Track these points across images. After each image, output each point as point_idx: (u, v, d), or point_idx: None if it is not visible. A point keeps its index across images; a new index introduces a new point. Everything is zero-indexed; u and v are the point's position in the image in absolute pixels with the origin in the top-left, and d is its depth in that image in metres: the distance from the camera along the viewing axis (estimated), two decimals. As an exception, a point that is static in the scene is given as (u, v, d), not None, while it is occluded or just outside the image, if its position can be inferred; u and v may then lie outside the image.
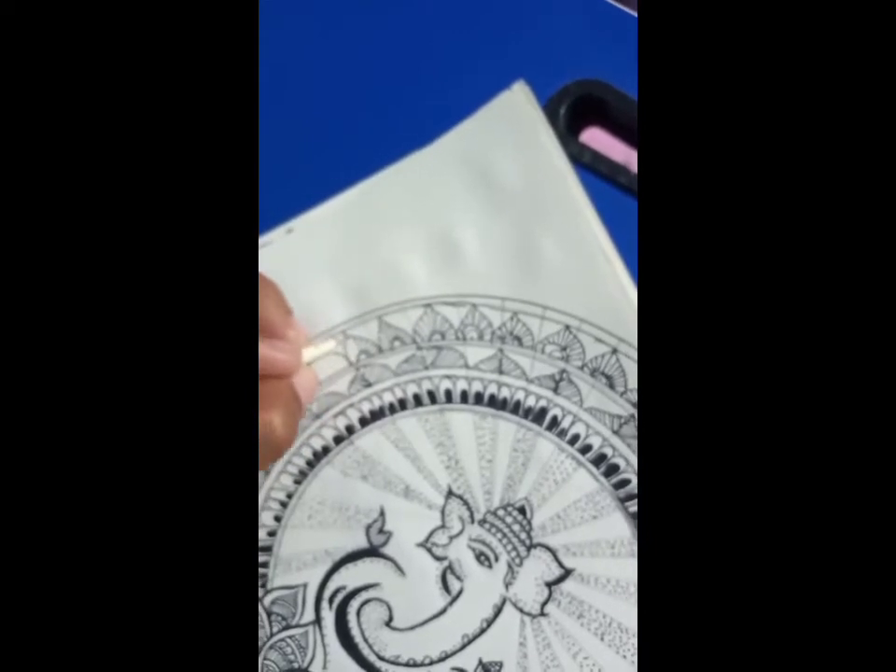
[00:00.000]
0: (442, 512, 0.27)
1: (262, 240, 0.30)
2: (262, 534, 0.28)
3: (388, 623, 0.26)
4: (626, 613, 0.25)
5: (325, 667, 0.27)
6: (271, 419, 0.22)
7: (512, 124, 0.28)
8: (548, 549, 0.26)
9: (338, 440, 0.28)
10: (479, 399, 0.27)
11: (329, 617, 0.27)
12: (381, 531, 0.27)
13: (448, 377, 0.28)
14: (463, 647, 0.26)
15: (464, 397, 0.27)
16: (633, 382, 0.26)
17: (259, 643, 0.27)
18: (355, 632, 0.27)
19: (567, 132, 0.28)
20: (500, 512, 0.26)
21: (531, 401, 0.27)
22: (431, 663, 0.26)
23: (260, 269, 0.30)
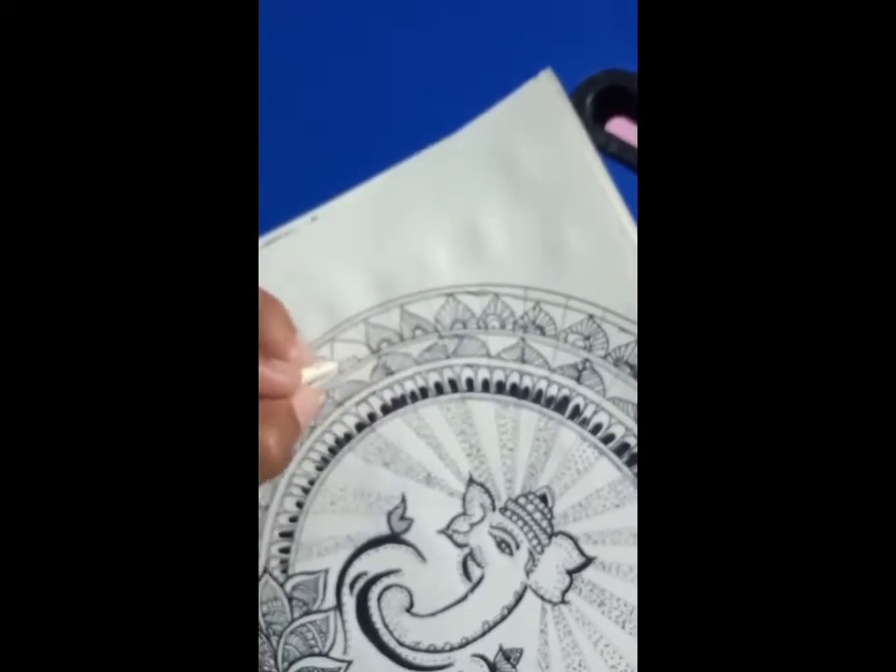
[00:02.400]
0: (464, 500, 0.27)
1: (286, 228, 0.30)
2: (284, 520, 0.28)
3: (409, 610, 0.27)
4: (647, 602, 0.25)
5: (345, 652, 0.27)
6: (265, 439, 0.22)
7: (539, 113, 0.28)
8: (569, 537, 0.26)
9: (360, 427, 0.28)
10: (500, 387, 0.27)
11: (350, 602, 0.27)
12: (402, 517, 0.27)
13: (469, 366, 0.28)
14: (483, 633, 0.26)
15: (485, 385, 0.27)
16: (656, 372, 0.26)
17: (280, 628, 0.28)
18: (375, 618, 0.27)
19: (594, 121, 0.28)
20: (522, 500, 0.26)
21: (553, 391, 0.27)
22: (452, 649, 0.26)
23: (284, 257, 0.30)
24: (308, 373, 0.26)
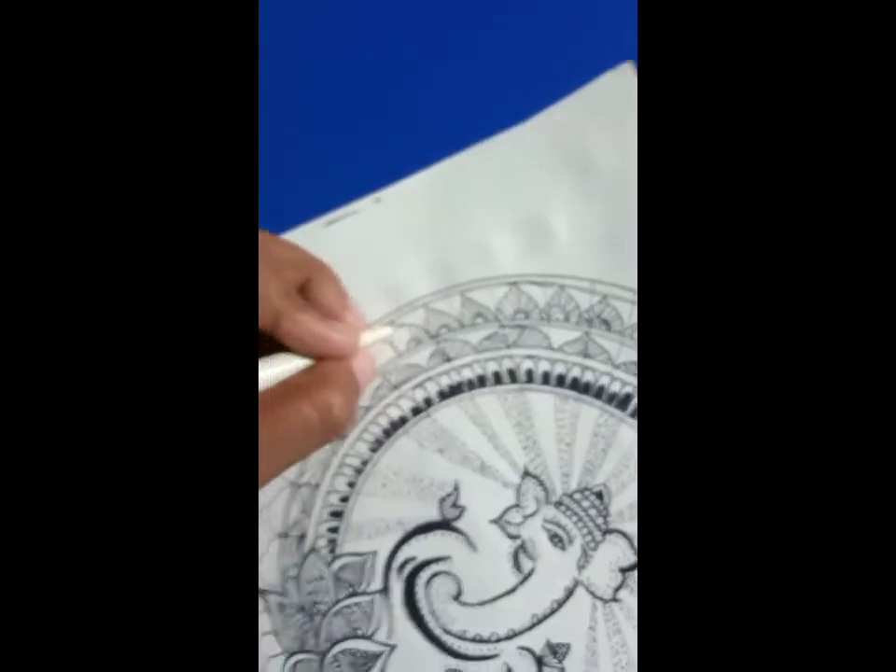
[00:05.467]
0: (518, 491, 0.27)
1: (349, 208, 0.30)
2: (335, 499, 0.28)
3: (457, 598, 0.26)
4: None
5: (389, 637, 0.27)
6: (329, 399, 0.22)
7: (616, 105, 0.28)
8: (624, 535, 0.26)
9: (415, 411, 0.28)
10: (561, 381, 0.27)
11: (397, 587, 0.27)
12: (454, 505, 0.27)
13: (530, 357, 0.27)
14: (532, 626, 0.26)
15: (546, 378, 0.27)
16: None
17: (324, 607, 0.28)
18: (422, 604, 0.27)
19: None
20: (577, 496, 0.26)
21: (616, 387, 0.26)
22: (498, 640, 0.26)
23: (346, 237, 0.30)
24: (365, 337, 0.26)
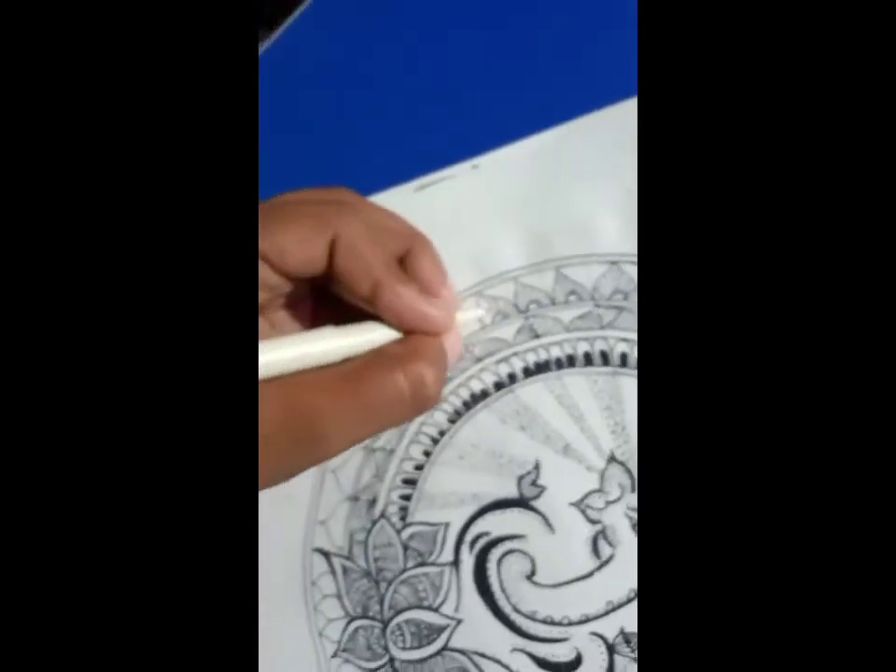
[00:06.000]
0: (602, 476, 0.26)
1: (445, 173, 0.29)
2: (409, 466, 0.28)
3: (530, 577, 0.26)
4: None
5: (457, 610, 0.27)
6: (423, 373, 0.22)
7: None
8: (711, 530, 0.25)
9: (498, 386, 0.28)
10: (657, 366, 0.26)
11: (468, 561, 0.27)
12: (534, 484, 0.26)
13: (625, 340, 0.27)
14: (606, 613, 0.25)
15: (642, 362, 0.26)
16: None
17: (391, 575, 0.27)
18: (493, 580, 0.26)
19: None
20: (666, 485, 0.25)
21: (714, 377, 0.26)
22: (570, 623, 0.25)
23: (438, 202, 0.29)
24: (458, 315, 0.26)
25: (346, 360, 0.22)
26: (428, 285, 0.23)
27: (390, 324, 0.23)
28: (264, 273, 0.22)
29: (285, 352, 0.21)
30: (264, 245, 0.22)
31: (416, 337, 0.23)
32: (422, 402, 0.22)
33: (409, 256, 0.23)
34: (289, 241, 0.22)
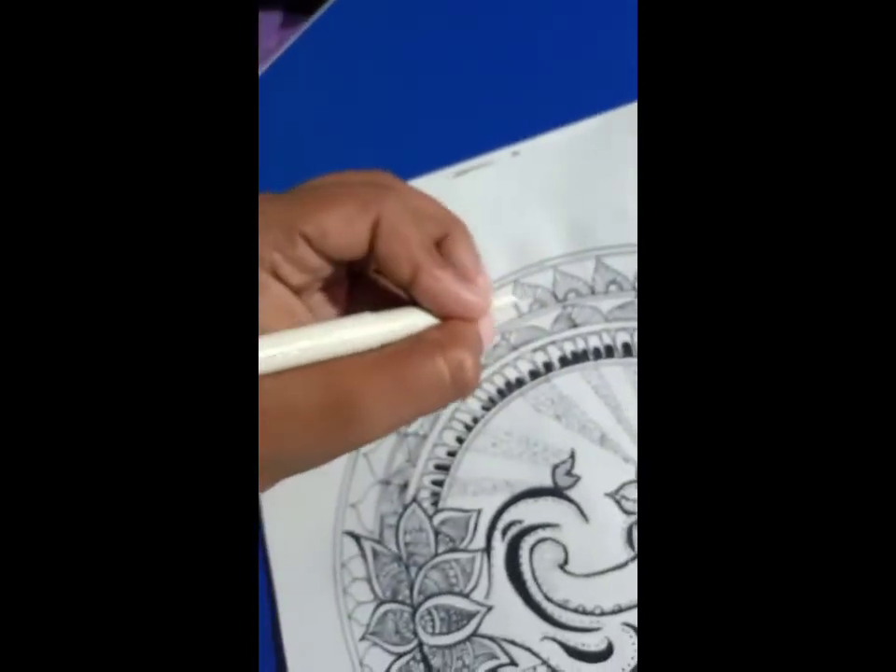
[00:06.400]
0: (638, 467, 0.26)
1: (484, 159, 0.29)
2: (442, 452, 0.28)
3: (563, 566, 0.26)
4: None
5: (487, 597, 0.26)
6: (463, 358, 0.22)
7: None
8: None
9: (534, 374, 0.27)
10: (698, 358, 0.26)
11: (500, 548, 0.27)
12: (569, 473, 0.26)
13: (666, 331, 0.26)
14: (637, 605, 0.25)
15: (682, 354, 0.26)
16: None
17: (422, 560, 0.27)
18: (525, 568, 0.26)
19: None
20: (704, 478, 0.25)
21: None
22: (602, 613, 0.25)
23: (478, 189, 0.29)
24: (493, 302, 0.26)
25: (384, 346, 0.22)
26: (465, 269, 0.23)
27: (427, 309, 0.22)
28: (307, 254, 0.22)
29: (325, 338, 0.21)
30: (307, 227, 0.22)
31: (455, 322, 0.23)
32: (462, 387, 0.22)
33: (446, 241, 0.23)
34: (333, 222, 0.22)
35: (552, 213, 0.28)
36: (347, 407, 0.20)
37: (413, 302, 0.22)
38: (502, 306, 0.27)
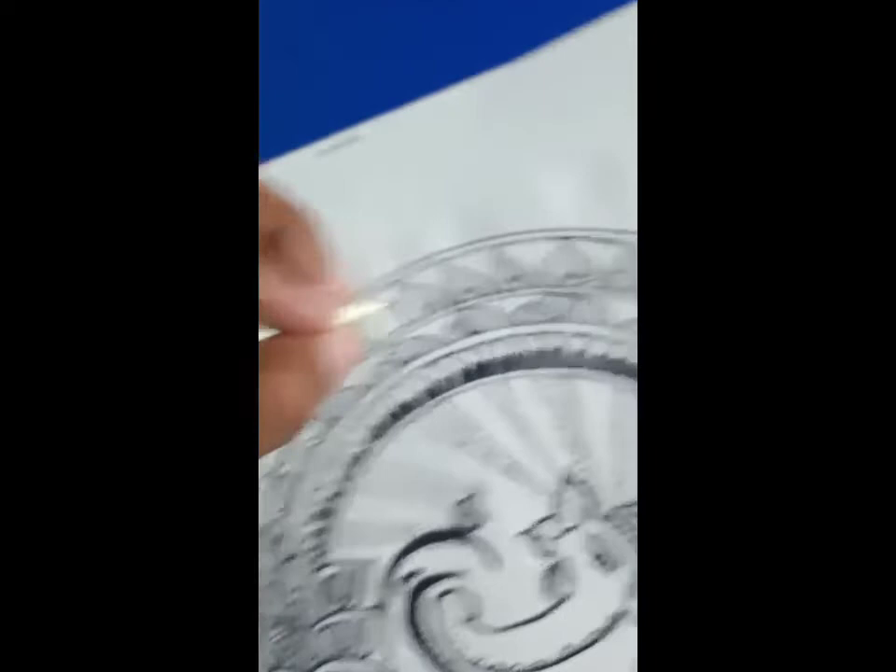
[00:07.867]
0: (556, 499, 0.22)
1: (348, 134, 0.24)
2: (322, 496, 0.23)
3: (473, 620, 0.23)
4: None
5: (387, 660, 0.23)
6: (278, 388, 0.17)
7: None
8: (684, 558, 0.22)
9: (430, 394, 0.23)
10: (620, 367, 0.22)
11: (397, 603, 0.23)
12: (474, 511, 0.23)
13: (583, 335, 0.23)
14: (563, 659, 0.22)
15: (602, 362, 0.23)
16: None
17: (307, 622, 0.23)
18: (431, 625, 0.23)
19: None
20: (633, 508, 0.22)
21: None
22: (522, 671, 0.22)
23: (342, 170, 0.24)
24: (347, 312, 0.21)
25: None
26: (300, 270, 0.18)
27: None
28: None
29: None
30: None
31: (281, 338, 0.18)
32: (283, 420, 0.17)
33: (278, 235, 0.18)
34: None
35: (436, 194, 0.24)
36: None
37: None
38: (364, 316, 0.22)
